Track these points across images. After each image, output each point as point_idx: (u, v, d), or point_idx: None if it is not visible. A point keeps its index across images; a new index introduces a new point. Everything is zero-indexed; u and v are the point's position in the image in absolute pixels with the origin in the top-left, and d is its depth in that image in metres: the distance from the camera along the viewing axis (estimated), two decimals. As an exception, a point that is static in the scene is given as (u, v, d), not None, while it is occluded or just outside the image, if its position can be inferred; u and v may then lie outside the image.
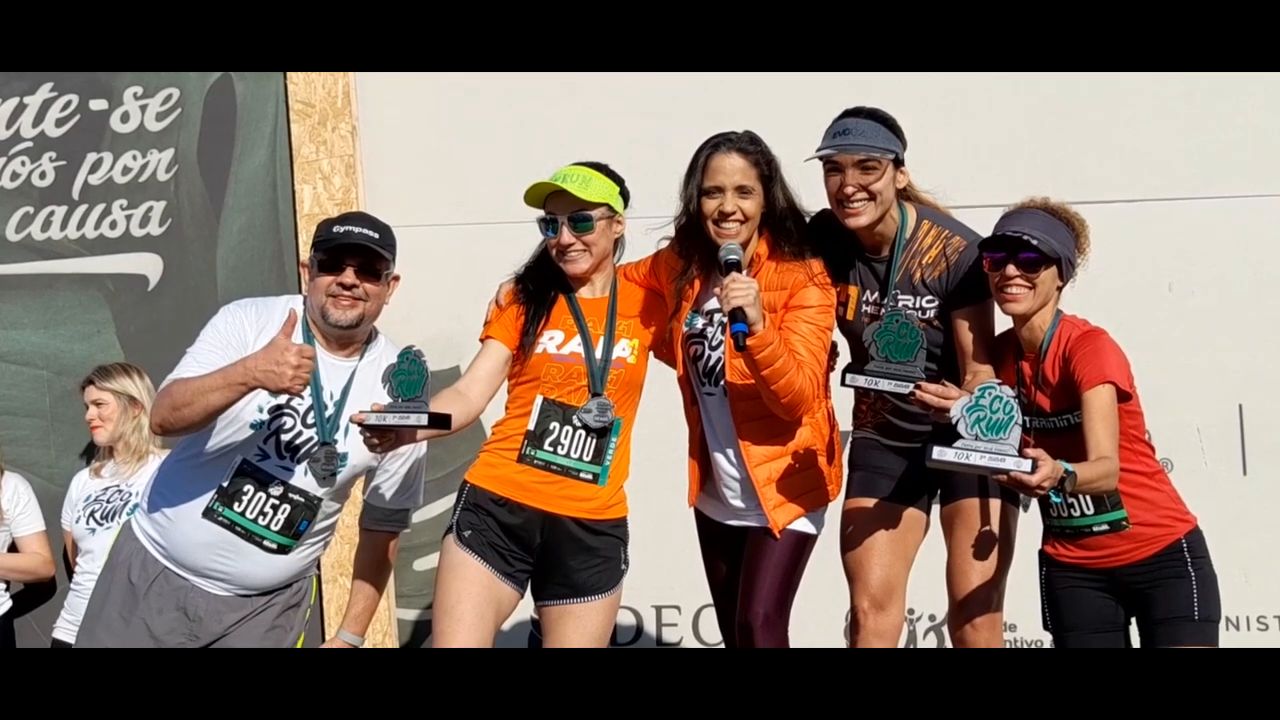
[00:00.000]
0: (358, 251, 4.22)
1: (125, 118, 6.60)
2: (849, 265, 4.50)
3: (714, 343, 4.41)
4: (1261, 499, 6.18)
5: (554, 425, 4.36)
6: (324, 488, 4.27)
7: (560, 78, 6.21)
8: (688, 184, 4.36)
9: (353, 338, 4.31)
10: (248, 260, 6.51)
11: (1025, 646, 6.06)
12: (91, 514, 5.97)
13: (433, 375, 4.12)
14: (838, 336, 4.53)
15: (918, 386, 4.16)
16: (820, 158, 4.38)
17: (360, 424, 4.06)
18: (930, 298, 4.43)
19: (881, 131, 4.38)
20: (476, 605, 4.30)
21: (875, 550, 4.54)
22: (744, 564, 4.40)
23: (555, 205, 4.37)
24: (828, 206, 4.47)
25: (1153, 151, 6.27)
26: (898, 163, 4.40)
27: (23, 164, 6.62)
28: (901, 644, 4.80)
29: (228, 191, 6.54)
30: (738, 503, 4.44)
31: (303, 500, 4.25)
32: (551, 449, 4.35)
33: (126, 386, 6.02)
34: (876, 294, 4.47)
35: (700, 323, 4.45)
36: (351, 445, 4.25)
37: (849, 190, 4.34)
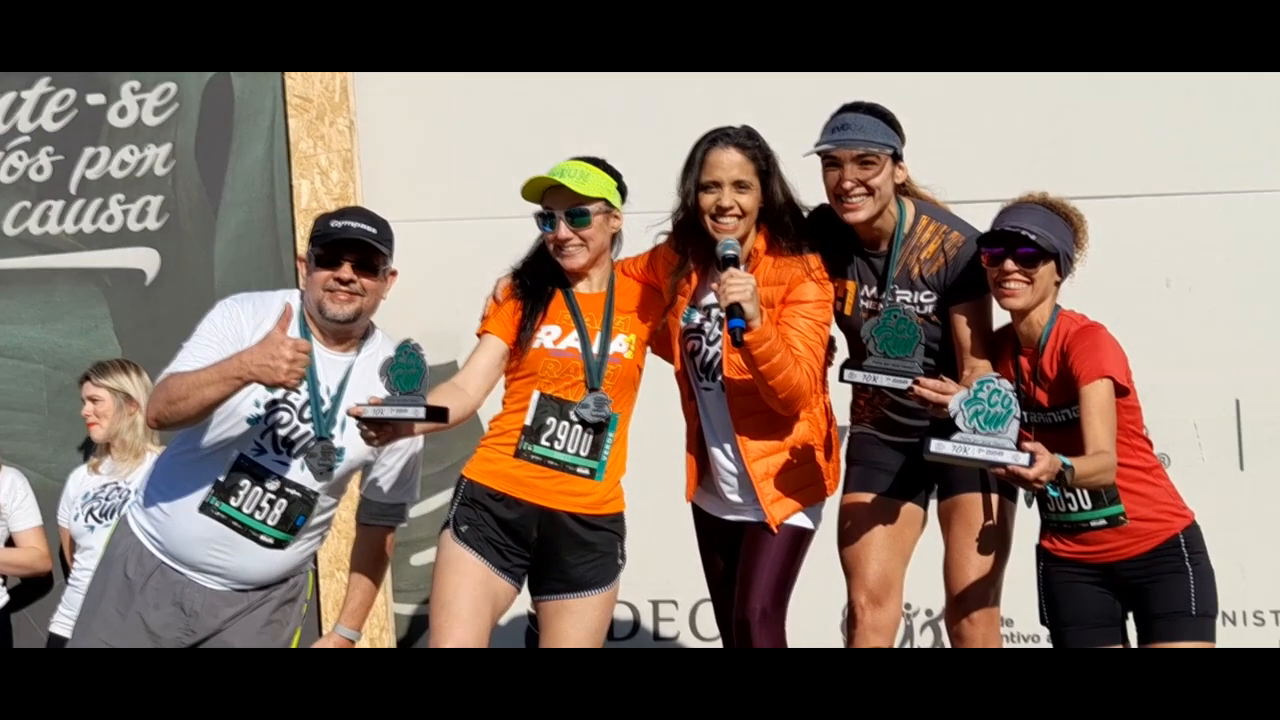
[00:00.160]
0: (355, 246, 4.22)
1: (123, 112, 6.59)
2: (847, 260, 4.49)
3: (711, 338, 4.41)
4: (1258, 494, 6.17)
5: (551, 420, 4.35)
6: (321, 482, 4.26)
7: (558, 73, 6.20)
8: (685, 179, 4.35)
9: (350, 332, 4.31)
10: (245, 255, 6.50)
11: (1022, 641, 6.06)
12: (90, 511, 5.96)
13: (430, 370, 4.11)
14: (836, 332, 4.53)
15: (916, 382, 4.16)
16: (819, 153, 4.38)
17: (357, 417, 4.06)
18: (928, 293, 4.42)
19: (880, 126, 4.37)
20: (473, 600, 4.29)
21: (873, 545, 4.53)
22: (741, 559, 4.39)
23: (553, 200, 4.36)
24: (826, 201, 4.47)
25: (1151, 147, 6.26)
26: (896, 158, 4.40)
27: (20, 158, 6.61)
28: (898, 639, 4.80)
29: (225, 186, 6.54)
30: (735, 498, 4.44)
31: (299, 495, 4.24)
32: (548, 444, 4.35)
33: (123, 384, 6.00)
34: (875, 289, 4.47)
35: (698, 318, 4.45)
36: (348, 440, 4.24)
37: (847, 185, 4.34)
